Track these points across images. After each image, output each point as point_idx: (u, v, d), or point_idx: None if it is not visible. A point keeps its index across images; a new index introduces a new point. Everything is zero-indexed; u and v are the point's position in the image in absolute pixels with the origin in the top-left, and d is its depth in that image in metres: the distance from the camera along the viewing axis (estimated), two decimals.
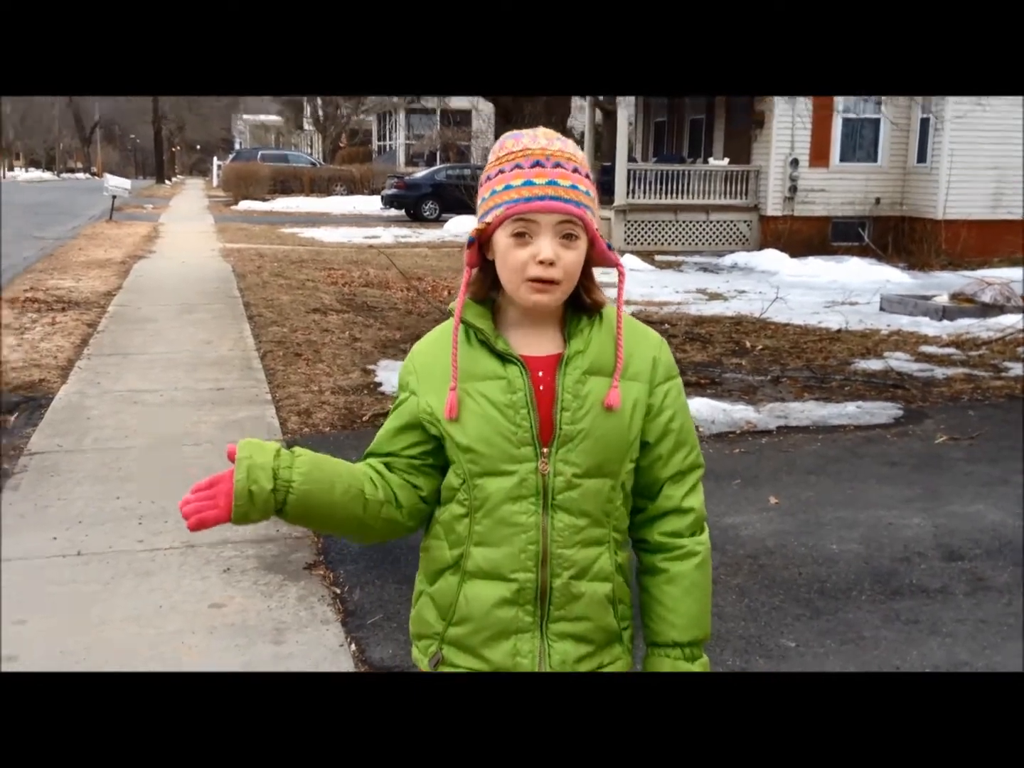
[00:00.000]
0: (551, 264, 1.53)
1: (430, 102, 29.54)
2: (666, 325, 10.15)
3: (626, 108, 19.42)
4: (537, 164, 1.53)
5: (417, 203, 28.08)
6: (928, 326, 10.58)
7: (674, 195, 19.27)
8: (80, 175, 76.65)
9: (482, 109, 31.59)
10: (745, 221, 19.59)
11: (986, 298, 11.04)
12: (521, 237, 1.54)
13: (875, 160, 19.29)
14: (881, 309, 11.90)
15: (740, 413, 6.77)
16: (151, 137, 65.72)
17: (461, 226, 23.31)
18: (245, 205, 32.19)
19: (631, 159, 21.00)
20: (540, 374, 1.61)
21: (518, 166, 1.54)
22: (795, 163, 18.86)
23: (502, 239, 1.55)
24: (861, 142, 19.29)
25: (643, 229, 19.28)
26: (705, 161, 20.56)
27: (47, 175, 71.93)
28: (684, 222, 19.47)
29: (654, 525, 1.68)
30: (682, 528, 1.67)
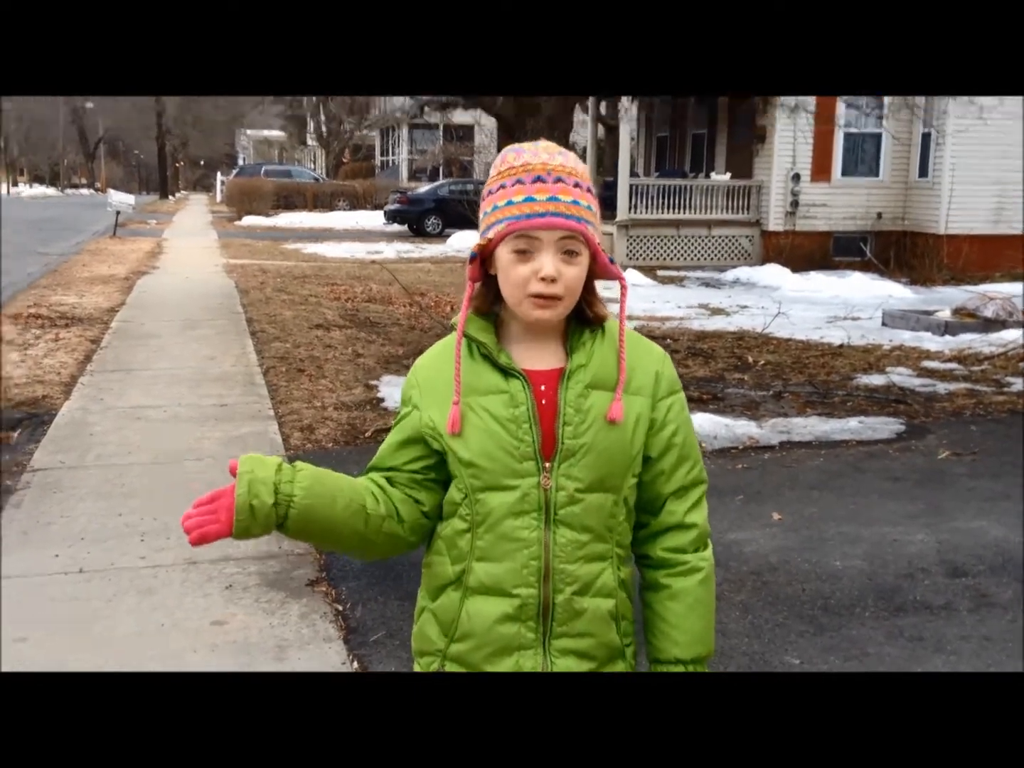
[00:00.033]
0: (553, 281, 1.53)
1: (433, 117, 29.58)
2: (668, 340, 10.14)
3: (628, 123, 19.48)
4: (538, 179, 1.53)
5: (420, 218, 28.12)
6: (930, 341, 10.57)
7: (676, 210, 19.31)
8: (84, 191, 76.84)
9: (485, 124, 31.63)
10: (747, 236, 19.62)
11: (988, 313, 11.04)
12: (523, 253, 1.54)
13: (877, 175, 19.31)
14: (883, 324, 11.89)
15: (743, 428, 6.76)
16: (155, 153, 65.92)
17: (464, 241, 23.33)
18: (248, 220, 32.24)
19: (633, 174, 21.06)
20: (542, 388, 1.60)
21: (519, 181, 1.54)
22: (797, 178, 18.89)
23: (504, 254, 1.55)
24: (863, 157, 19.31)
25: (645, 244, 19.31)
26: (707, 176, 20.59)
27: (51, 191, 72.06)
28: (686, 237, 19.49)
29: (657, 540, 1.67)
30: (685, 544, 1.66)
